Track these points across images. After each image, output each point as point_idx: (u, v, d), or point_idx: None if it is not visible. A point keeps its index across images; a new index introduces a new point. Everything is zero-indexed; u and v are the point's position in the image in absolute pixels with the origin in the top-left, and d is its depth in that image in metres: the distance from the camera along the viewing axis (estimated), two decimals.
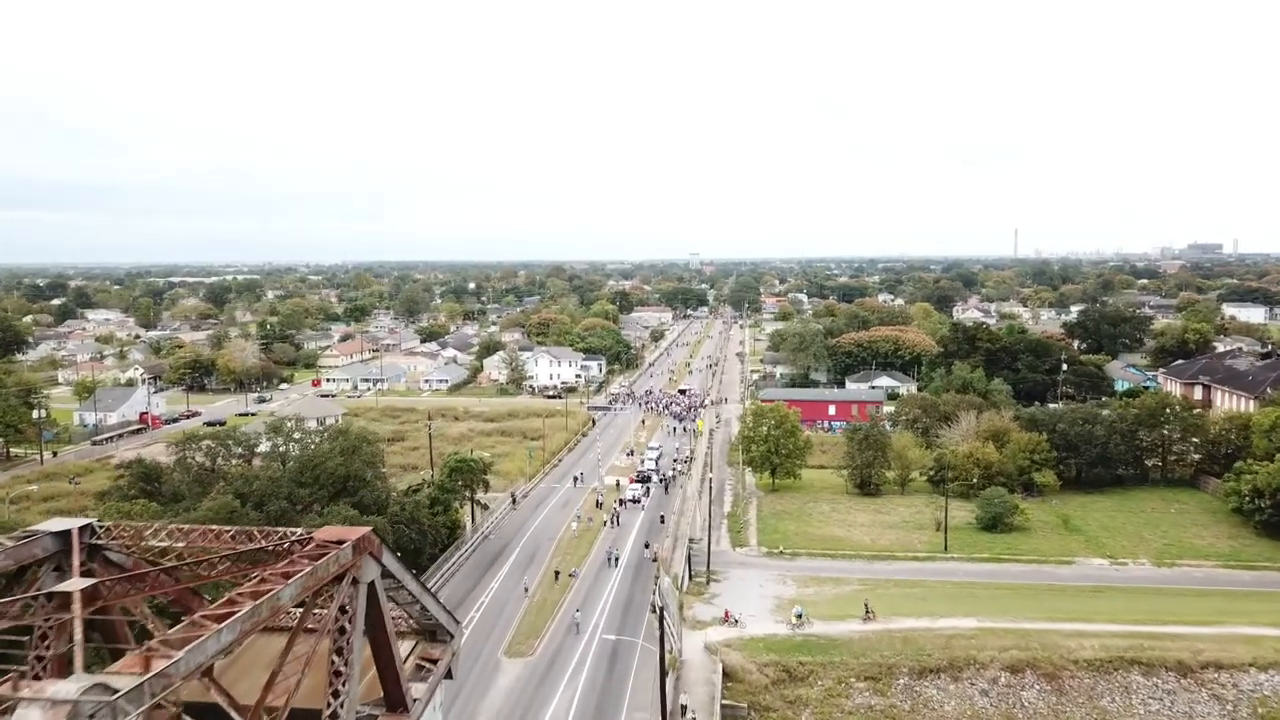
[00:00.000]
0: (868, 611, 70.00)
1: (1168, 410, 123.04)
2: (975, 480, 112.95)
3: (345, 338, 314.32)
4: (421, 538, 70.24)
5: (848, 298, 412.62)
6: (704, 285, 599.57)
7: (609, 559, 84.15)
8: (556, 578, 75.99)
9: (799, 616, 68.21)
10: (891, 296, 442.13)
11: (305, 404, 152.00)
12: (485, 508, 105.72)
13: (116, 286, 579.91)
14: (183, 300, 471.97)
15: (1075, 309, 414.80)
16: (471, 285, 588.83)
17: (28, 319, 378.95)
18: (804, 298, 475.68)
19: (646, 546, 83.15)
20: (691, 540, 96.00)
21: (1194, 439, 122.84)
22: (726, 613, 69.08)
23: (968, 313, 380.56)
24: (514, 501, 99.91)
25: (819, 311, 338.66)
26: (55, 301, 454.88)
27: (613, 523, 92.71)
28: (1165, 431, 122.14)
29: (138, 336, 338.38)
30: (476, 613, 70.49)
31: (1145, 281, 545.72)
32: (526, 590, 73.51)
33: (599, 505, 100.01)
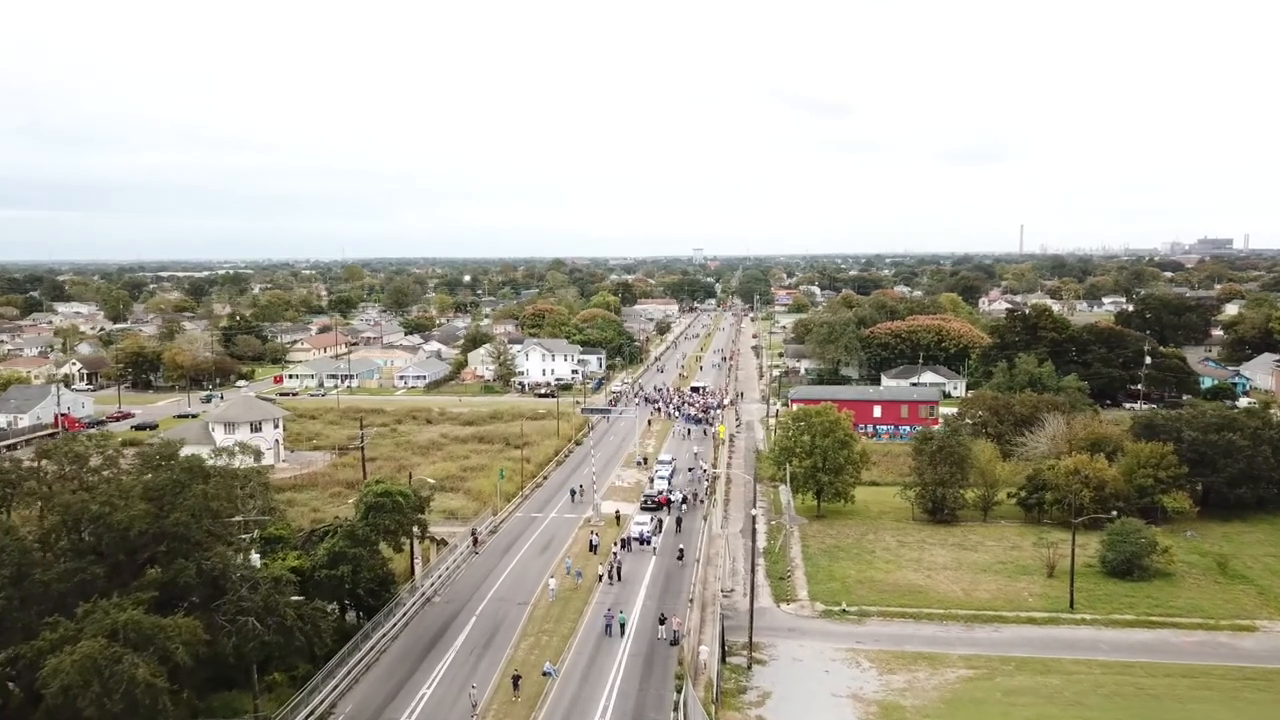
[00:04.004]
0: None
1: None
2: (1085, 504, 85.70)
3: (323, 330, 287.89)
4: (284, 639, 43.10)
5: (862, 290, 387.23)
6: (710, 279, 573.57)
7: (607, 629, 57.64)
8: (517, 686, 48.83)
9: None
10: (908, 289, 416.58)
11: (239, 405, 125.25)
12: (442, 544, 79.03)
13: (101, 281, 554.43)
14: (164, 294, 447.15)
15: (1108, 300, 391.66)
16: (467, 278, 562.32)
17: None
18: (816, 290, 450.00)
19: (662, 621, 56.25)
20: (723, 592, 69.50)
21: None
22: None
23: (994, 304, 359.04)
24: (475, 542, 72.85)
25: (835, 303, 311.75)
26: (33, 295, 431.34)
27: (611, 577, 65.65)
28: None
29: (103, 329, 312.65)
30: None
31: (1171, 275, 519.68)
32: (475, 706, 46.72)
33: (592, 548, 72.79)
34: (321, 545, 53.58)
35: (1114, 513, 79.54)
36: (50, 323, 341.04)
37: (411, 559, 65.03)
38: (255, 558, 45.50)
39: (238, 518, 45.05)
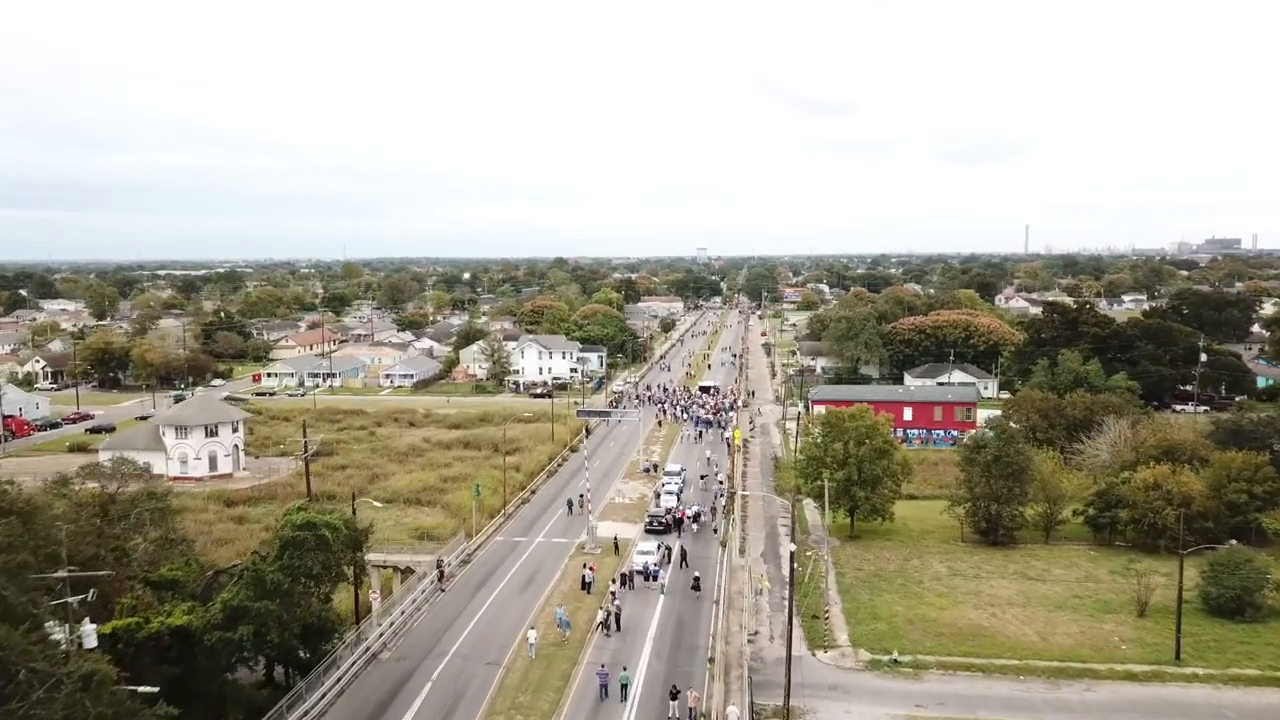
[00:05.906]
0: None
1: None
2: (1168, 524, 72.08)
3: (313, 327, 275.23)
4: None
5: (872, 288, 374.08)
6: (714, 278, 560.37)
7: (603, 691, 44.66)
8: None
9: None
10: (918, 287, 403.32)
11: (193, 406, 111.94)
12: (408, 573, 65.88)
13: (94, 279, 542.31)
14: (155, 291, 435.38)
15: (1128, 298, 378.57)
16: (466, 276, 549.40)
17: None
18: (825, 288, 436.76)
19: (674, 695, 42.91)
20: (748, 639, 56.31)
21: None
22: None
23: (1012, 302, 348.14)
24: (441, 577, 59.50)
25: (850, 299, 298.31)
26: (21, 293, 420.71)
27: (609, 626, 52.27)
28: None
29: (83, 327, 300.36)
30: None
31: (1187, 273, 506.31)
32: None
33: (585, 586, 59.41)
34: (220, 595, 40.37)
35: (1232, 540, 66.02)
36: (33, 319, 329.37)
37: (356, 597, 51.75)
38: (89, 629, 32.12)
39: (61, 572, 31.82)
